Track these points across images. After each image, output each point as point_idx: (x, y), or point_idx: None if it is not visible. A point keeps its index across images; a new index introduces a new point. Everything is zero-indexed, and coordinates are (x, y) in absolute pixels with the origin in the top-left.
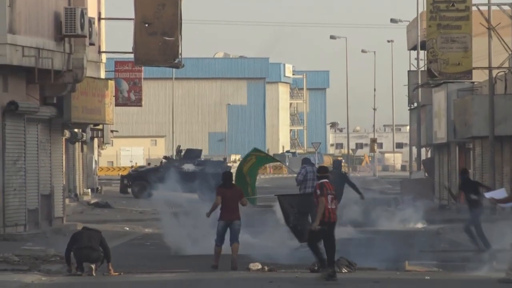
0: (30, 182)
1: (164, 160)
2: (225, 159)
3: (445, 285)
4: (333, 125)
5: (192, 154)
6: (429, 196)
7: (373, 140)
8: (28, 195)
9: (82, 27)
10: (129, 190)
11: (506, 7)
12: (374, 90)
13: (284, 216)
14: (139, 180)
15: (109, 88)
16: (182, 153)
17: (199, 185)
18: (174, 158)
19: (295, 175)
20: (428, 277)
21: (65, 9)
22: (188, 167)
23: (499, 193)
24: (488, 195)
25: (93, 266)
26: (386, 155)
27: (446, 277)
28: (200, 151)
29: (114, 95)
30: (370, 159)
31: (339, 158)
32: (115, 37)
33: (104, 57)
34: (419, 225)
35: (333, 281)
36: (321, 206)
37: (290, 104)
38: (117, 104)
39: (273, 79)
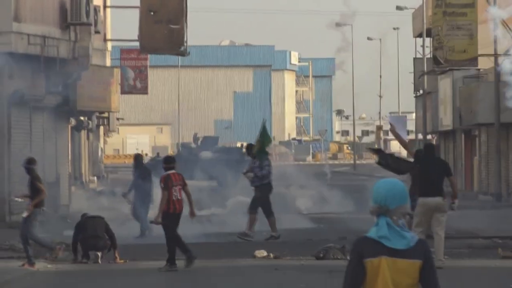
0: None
1: (181, 149)
2: (242, 145)
3: (450, 272)
4: (339, 112)
5: (209, 142)
6: None
7: (379, 128)
8: None
9: (87, 15)
10: None
11: None
12: (380, 77)
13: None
14: (157, 169)
15: (115, 76)
16: (199, 141)
17: (218, 172)
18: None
19: (300, 162)
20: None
21: None
22: (206, 154)
23: (400, 122)
24: (391, 119)
25: (99, 254)
26: (392, 142)
27: (452, 264)
28: (217, 138)
29: (119, 83)
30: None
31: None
32: (120, 25)
33: (109, 45)
34: None
35: (174, 271)
36: (163, 199)
37: (296, 91)
38: (122, 92)
39: (279, 66)
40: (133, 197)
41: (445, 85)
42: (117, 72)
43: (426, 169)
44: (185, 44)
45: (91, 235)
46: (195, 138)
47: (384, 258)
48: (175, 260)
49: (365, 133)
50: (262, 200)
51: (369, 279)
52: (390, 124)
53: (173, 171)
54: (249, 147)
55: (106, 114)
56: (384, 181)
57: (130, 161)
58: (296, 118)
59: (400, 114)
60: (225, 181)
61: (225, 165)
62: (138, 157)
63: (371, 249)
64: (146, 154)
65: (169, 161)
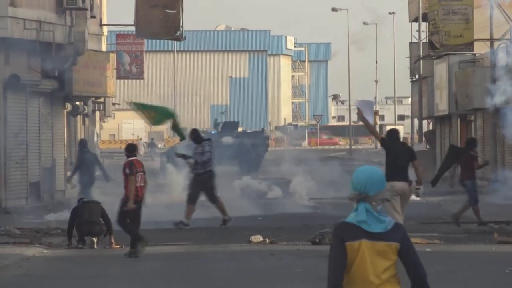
0: (31, 155)
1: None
2: (263, 128)
3: (446, 257)
4: (335, 97)
5: (230, 127)
6: (431, 168)
7: (375, 112)
8: (30, 168)
9: (83, 0)
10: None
11: None
12: (376, 62)
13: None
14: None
15: (111, 61)
16: (220, 126)
17: (240, 157)
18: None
19: (293, 147)
20: (430, 249)
21: None
22: (227, 140)
23: (367, 106)
24: (358, 104)
25: (94, 239)
26: (388, 127)
27: (448, 249)
28: (237, 123)
29: (115, 68)
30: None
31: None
32: (116, 10)
33: (105, 30)
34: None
35: (135, 257)
36: (132, 185)
37: (292, 76)
38: (118, 77)
39: (275, 51)
40: (80, 181)
41: (441, 70)
42: (113, 57)
43: (393, 154)
44: (181, 29)
45: (86, 221)
46: (215, 124)
47: (364, 241)
48: (140, 238)
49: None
50: (206, 187)
51: (349, 260)
52: (358, 109)
53: (134, 157)
54: (194, 132)
55: (102, 99)
56: (363, 169)
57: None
58: (292, 103)
59: (368, 99)
60: (247, 165)
61: (246, 149)
62: (82, 141)
63: (351, 233)
64: (141, 139)
65: (131, 149)
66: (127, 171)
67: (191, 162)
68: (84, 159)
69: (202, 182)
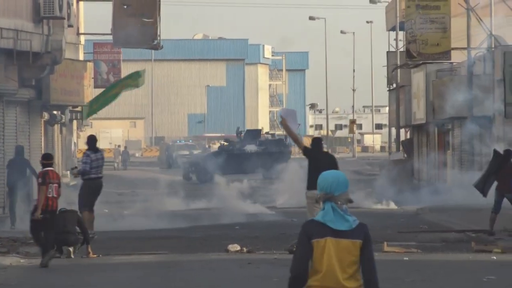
0: None
1: (225, 143)
2: (286, 136)
3: (423, 266)
4: (313, 106)
5: (252, 135)
6: (409, 177)
7: (352, 121)
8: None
9: (60, 9)
10: (192, 176)
11: None
12: (353, 71)
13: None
14: (201, 165)
15: (88, 70)
16: (242, 135)
17: (264, 164)
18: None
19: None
20: (407, 258)
21: None
22: (251, 148)
23: (291, 114)
24: (282, 112)
25: (71, 249)
26: (365, 136)
27: (425, 258)
28: (260, 131)
29: (93, 77)
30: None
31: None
32: (93, 19)
33: (82, 39)
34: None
35: (45, 267)
36: (41, 195)
37: (269, 85)
38: (96, 86)
39: (252, 60)
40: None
41: (418, 78)
42: (90, 66)
43: (315, 163)
44: (158, 37)
45: (61, 231)
46: (238, 132)
47: (329, 239)
48: (47, 251)
49: (339, 127)
50: (80, 194)
51: (316, 256)
52: (281, 117)
53: (51, 168)
54: (90, 139)
55: (79, 108)
56: (328, 172)
57: (110, 155)
58: (270, 112)
59: (291, 108)
60: (269, 173)
61: (269, 157)
62: (18, 148)
63: (318, 230)
64: (119, 146)
65: (47, 158)
66: (40, 180)
67: (74, 173)
68: (16, 167)
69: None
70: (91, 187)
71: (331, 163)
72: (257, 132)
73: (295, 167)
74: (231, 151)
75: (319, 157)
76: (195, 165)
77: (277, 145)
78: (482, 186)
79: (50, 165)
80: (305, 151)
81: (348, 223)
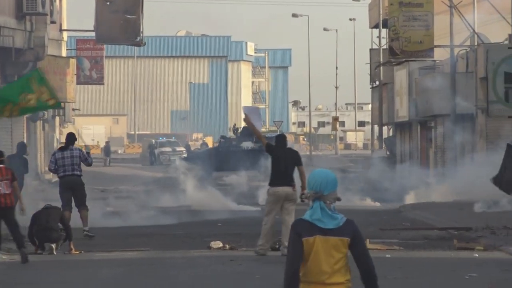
0: None
1: (221, 140)
2: (283, 133)
3: (405, 263)
4: (295, 103)
5: (249, 132)
6: (391, 172)
7: (335, 119)
8: None
9: (43, 5)
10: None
11: None
12: (336, 68)
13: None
14: (199, 162)
15: (71, 66)
16: (239, 131)
17: (260, 161)
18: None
19: None
20: (389, 255)
21: None
22: (247, 144)
23: (254, 112)
24: (245, 110)
25: (53, 246)
26: (348, 133)
27: (407, 255)
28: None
29: (75, 73)
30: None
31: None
32: (76, 15)
33: (65, 35)
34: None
35: (26, 263)
36: None
37: (252, 82)
38: (78, 83)
39: (235, 57)
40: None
41: (401, 76)
42: (73, 63)
43: (277, 159)
44: (141, 34)
45: (44, 227)
46: (235, 129)
47: (318, 237)
48: (23, 243)
49: (321, 124)
50: (59, 192)
51: (306, 254)
52: (245, 115)
53: (1, 165)
54: (67, 136)
55: (62, 105)
56: (319, 171)
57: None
58: None
59: (254, 105)
60: (266, 170)
61: (266, 154)
62: (18, 145)
63: (307, 229)
64: (108, 142)
65: None
66: None
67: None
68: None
69: None
70: (62, 185)
71: (294, 159)
72: None
73: None
74: (228, 148)
75: (280, 154)
76: (192, 161)
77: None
78: (500, 182)
79: (1, 162)
80: (267, 148)
81: (336, 221)
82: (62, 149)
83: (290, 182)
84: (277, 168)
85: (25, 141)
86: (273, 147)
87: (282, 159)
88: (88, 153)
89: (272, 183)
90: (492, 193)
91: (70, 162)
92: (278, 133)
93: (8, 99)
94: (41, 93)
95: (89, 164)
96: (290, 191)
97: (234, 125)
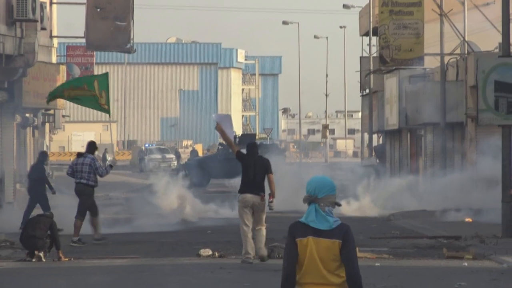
0: None
1: (220, 147)
2: (280, 141)
3: (395, 272)
4: (285, 111)
5: (247, 139)
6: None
7: (325, 126)
8: None
9: (33, 12)
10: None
11: None
12: (326, 76)
13: None
14: (197, 168)
15: (61, 73)
16: (237, 139)
17: None
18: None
19: None
20: (379, 264)
21: None
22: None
23: (226, 119)
24: (216, 117)
25: (41, 254)
26: (338, 141)
27: (397, 263)
28: (254, 135)
29: (66, 79)
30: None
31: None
32: (67, 21)
33: (55, 41)
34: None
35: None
36: None
37: (242, 89)
38: None
39: (225, 64)
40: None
41: (391, 84)
42: (63, 69)
43: (246, 167)
44: (131, 41)
45: (30, 235)
46: (233, 136)
47: (311, 238)
48: None
49: (311, 131)
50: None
51: (300, 254)
52: (216, 122)
53: None
54: (87, 144)
55: (51, 111)
56: (315, 176)
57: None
58: (242, 116)
59: (225, 112)
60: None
61: None
62: (42, 153)
63: (301, 231)
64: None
65: None
66: None
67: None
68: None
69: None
70: (75, 192)
71: (263, 167)
72: (252, 136)
73: (281, 171)
74: (226, 155)
75: (250, 162)
76: (190, 168)
77: (271, 150)
78: None
79: None
80: (237, 155)
81: (328, 223)
82: (79, 155)
83: (258, 191)
84: (246, 175)
85: (15, 147)
86: (243, 155)
87: (251, 167)
88: (111, 166)
89: (240, 190)
90: (481, 201)
91: (80, 169)
92: (268, 140)
93: (70, 83)
94: (100, 96)
95: (100, 175)
96: (258, 200)
97: (233, 132)
